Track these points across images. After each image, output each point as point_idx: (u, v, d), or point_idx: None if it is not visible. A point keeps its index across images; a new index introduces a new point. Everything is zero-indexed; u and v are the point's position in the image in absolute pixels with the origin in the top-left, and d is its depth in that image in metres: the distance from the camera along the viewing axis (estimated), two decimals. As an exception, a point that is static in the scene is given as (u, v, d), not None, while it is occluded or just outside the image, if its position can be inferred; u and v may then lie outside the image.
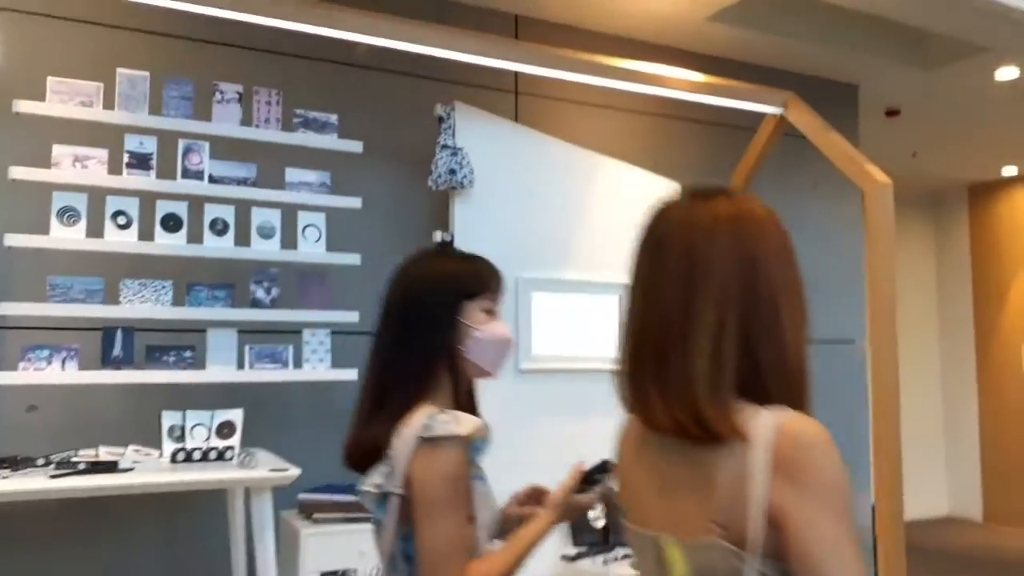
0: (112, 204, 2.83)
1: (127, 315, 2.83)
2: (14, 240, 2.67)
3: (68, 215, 2.76)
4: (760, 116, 4.01)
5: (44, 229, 2.73)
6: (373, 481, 1.40)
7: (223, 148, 3.02)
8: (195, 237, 2.94)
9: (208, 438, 2.88)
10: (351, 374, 3.14)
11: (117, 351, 2.83)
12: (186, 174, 2.95)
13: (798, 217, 4.44)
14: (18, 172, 2.68)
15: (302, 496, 2.99)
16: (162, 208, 2.90)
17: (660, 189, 4.11)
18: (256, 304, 3.04)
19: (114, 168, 2.85)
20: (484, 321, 1.48)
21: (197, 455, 2.78)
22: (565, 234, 3.69)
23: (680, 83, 3.72)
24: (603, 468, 1.51)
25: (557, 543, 3.30)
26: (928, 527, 6.87)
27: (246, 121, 3.06)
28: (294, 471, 2.66)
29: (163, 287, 2.89)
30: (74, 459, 2.64)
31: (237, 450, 2.84)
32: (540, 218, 3.62)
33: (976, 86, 4.90)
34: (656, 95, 3.73)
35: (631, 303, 1.15)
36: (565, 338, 3.72)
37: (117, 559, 3.01)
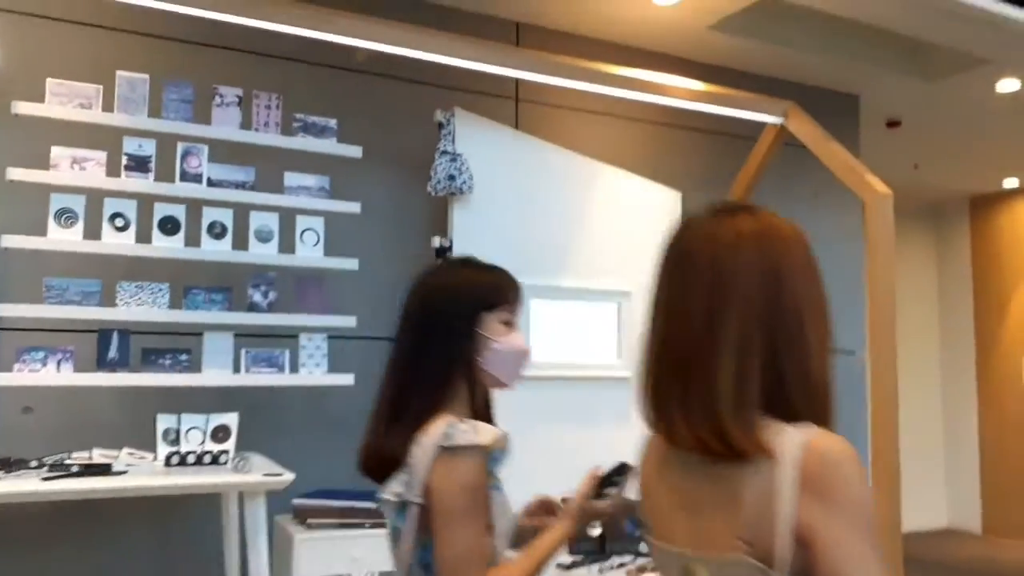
0: (110, 206, 2.83)
1: (123, 317, 2.82)
2: (11, 241, 2.67)
3: (66, 217, 2.76)
4: (760, 125, 4.01)
5: (41, 230, 2.72)
6: (393, 489, 1.40)
7: (222, 151, 3.02)
8: (193, 240, 2.94)
9: (203, 442, 2.86)
10: (347, 379, 3.14)
11: (113, 353, 2.82)
12: (185, 177, 2.94)
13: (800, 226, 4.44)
14: (16, 173, 2.68)
15: (296, 501, 2.98)
16: (160, 211, 2.90)
17: (659, 197, 4.13)
18: (253, 308, 3.03)
19: (112, 170, 2.84)
20: (502, 333, 1.49)
21: (191, 459, 2.77)
22: (564, 241, 3.69)
23: (681, 92, 3.72)
24: (619, 471, 1.51)
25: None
26: (927, 539, 6.84)
27: (245, 125, 3.06)
28: (288, 476, 2.65)
29: (160, 290, 2.88)
30: (67, 461, 2.63)
31: (232, 454, 2.83)
32: (539, 225, 3.62)
33: (977, 98, 4.90)
34: (656, 103, 3.73)
35: (653, 318, 1.14)
36: (564, 345, 3.71)
37: (110, 562, 3.00)
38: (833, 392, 1.08)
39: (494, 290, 1.51)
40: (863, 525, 0.96)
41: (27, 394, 2.84)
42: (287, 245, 3.10)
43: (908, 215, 7.08)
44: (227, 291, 2.99)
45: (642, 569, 3.40)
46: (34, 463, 2.60)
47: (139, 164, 2.87)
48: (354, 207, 3.20)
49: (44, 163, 2.75)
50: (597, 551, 3.33)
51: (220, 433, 2.90)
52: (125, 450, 2.79)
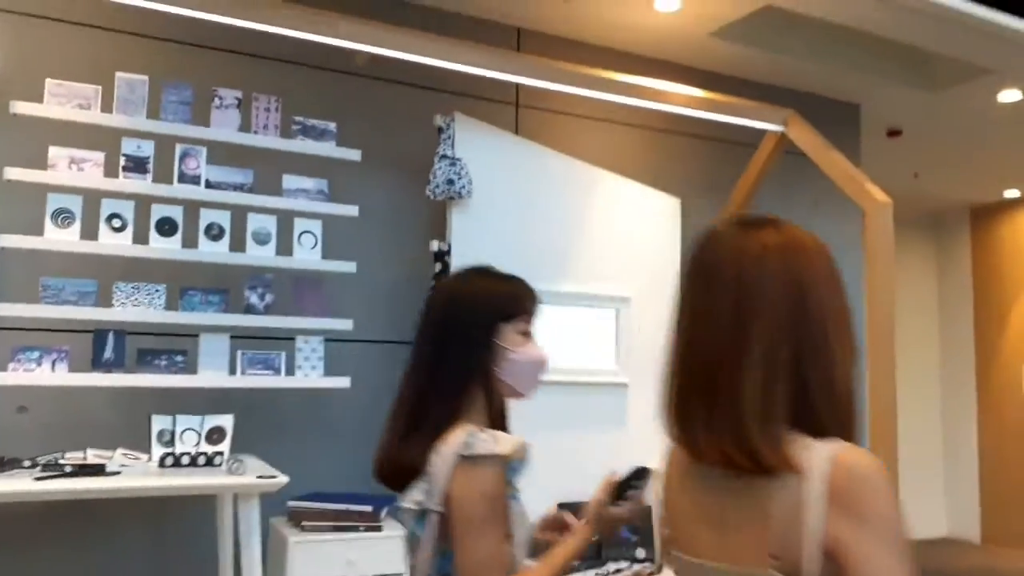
0: (107, 207, 2.83)
1: (119, 318, 2.82)
2: (8, 241, 2.67)
3: (63, 217, 2.76)
4: (760, 133, 4.01)
5: (38, 230, 2.72)
6: (413, 498, 1.40)
7: (221, 153, 3.02)
8: (190, 241, 2.94)
9: (198, 443, 2.86)
10: (344, 382, 3.13)
11: (108, 354, 2.81)
12: (183, 178, 2.94)
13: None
14: (14, 173, 2.68)
15: (291, 503, 2.97)
16: (157, 212, 2.90)
17: (659, 204, 4.13)
18: (250, 310, 3.03)
19: (110, 171, 2.84)
20: (520, 343, 1.50)
21: (186, 460, 2.76)
22: (563, 247, 3.69)
23: (681, 99, 3.72)
24: (637, 476, 1.49)
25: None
26: (926, 548, 6.81)
27: (244, 127, 3.06)
28: (282, 478, 2.64)
29: (156, 291, 2.88)
30: (61, 461, 2.63)
31: (226, 456, 2.83)
32: (538, 230, 3.61)
33: (978, 108, 4.89)
34: (656, 110, 3.74)
35: (677, 332, 1.14)
36: (562, 351, 3.70)
37: (104, 563, 2.99)
38: (859, 406, 1.08)
39: (512, 300, 1.52)
40: (892, 539, 0.97)
41: (22, 393, 2.83)
42: (285, 247, 3.10)
43: (908, 225, 7.07)
44: (224, 293, 2.99)
45: (638, 575, 3.39)
46: (27, 463, 2.59)
47: (137, 165, 2.87)
48: (352, 210, 3.20)
49: (42, 163, 2.75)
50: (593, 557, 3.33)
51: (215, 435, 2.89)
52: (119, 451, 2.78)
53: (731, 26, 3.92)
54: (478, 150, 3.46)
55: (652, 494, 1.45)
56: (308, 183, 3.16)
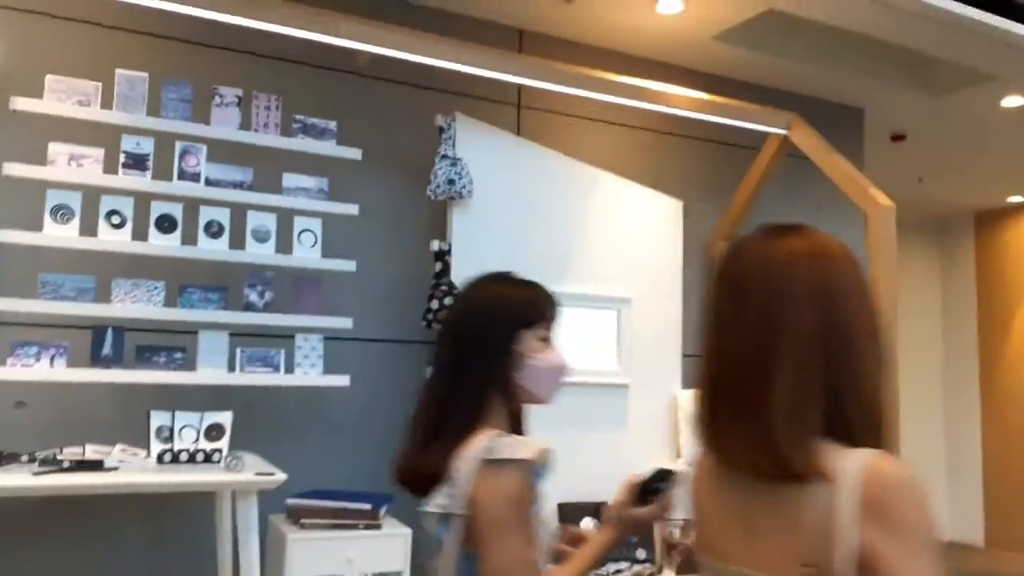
0: (107, 203, 2.83)
1: (118, 314, 2.82)
2: (6, 236, 2.67)
3: (62, 213, 2.76)
4: (762, 136, 4.01)
5: (37, 226, 2.72)
6: (438, 502, 1.41)
7: (221, 151, 3.02)
8: (189, 239, 2.94)
9: (196, 440, 2.85)
10: (343, 380, 3.13)
11: (107, 350, 2.81)
12: (182, 176, 2.94)
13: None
14: (13, 168, 2.68)
15: (290, 501, 2.96)
16: (157, 209, 2.90)
17: (660, 205, 4.12)
18: (249, 307, 3.03)
19: (110, 168, 2.84)
20: (540, 349, 1.50)
21: (184, 456, 2.76)
22: (564, 248, 3.68)
23: (684, 101, 3.72)
24: (660, 478, 1.48)
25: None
26: (929, 555, 6.78)
27: (245, 125, 3.06)
28: (280, 476, 2.64)
29: (155, 287, 2.88)
30: (59, 457, 2.62)
31: (225, 453, 2.82)
32: (539, 231, 3.61)
33: (982, 113, 4.88)
34: (658, 112, 3.74)
35: (707, 340, 1.16)
36: (563, 351, 3.69)
37: (103, 559, 2.98)
38: (889, 414, 1.08)
39: (531, 307, 1.52)
40: (925, 548, 0.97)
41: (20, 389, 2.83)
42: (284, 245, 3.10)
43: (912, 229, 7.06)
44: (223, 290, 2.99)
45: (638, 575, 3.38)
46: (25, 457, 2.60)
47: (137, 162, 2.87)
48: (352, 209, 3.19)
49: (41, 159, 2.75)
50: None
51: (214, 431, 2.89)
52: (118, 446, 2.78)
53: (733, 29, 3.92)
54: (479, 150, 3.46)
55: (678, 496, 1.46)
56: (308, 182, 3.16)
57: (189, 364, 2.91)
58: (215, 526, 3.02)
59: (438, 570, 1.42)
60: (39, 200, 2.73)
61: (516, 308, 1.51)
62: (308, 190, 3.16)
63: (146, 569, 3.05)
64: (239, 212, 3.03)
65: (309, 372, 3.10)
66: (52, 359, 2.73)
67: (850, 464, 0.99)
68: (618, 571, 3.45)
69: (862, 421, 1.05)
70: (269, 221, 3.08)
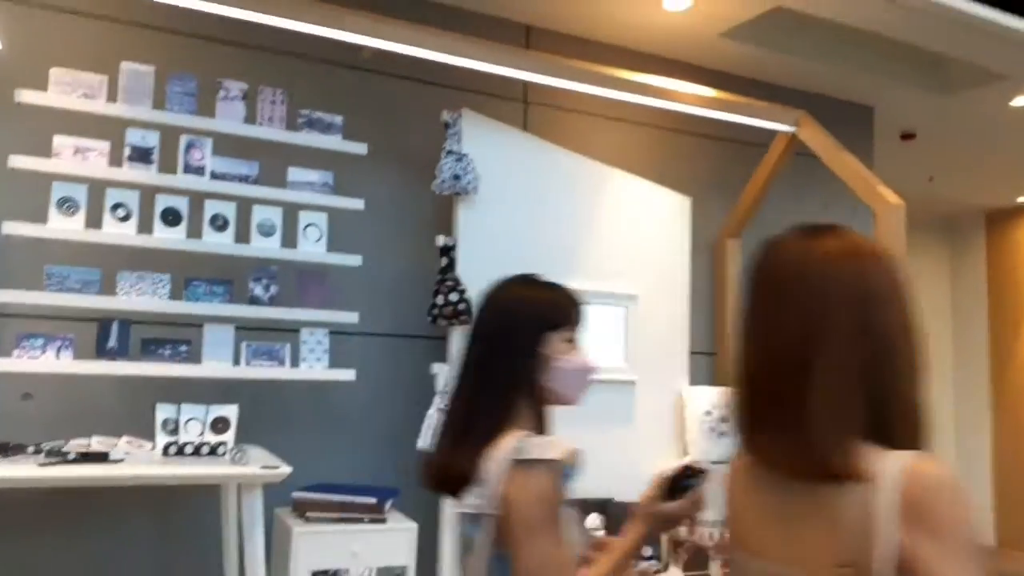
0: (112, 196, 2.83)
1: (123, 307, 2.82)
2: (12, 228, 2.67)
3: (67, 205, 2.76)
4: (770, 133, 3.99)
5: (43, 218, 2.73)
6: (470, 502, 1.42)
7: (226, 145, 3.02)
8: (195, 232, 2.94)
9: (202, 433, 2.85)
10: (349, 374, 3.12)
11: (112, 342, 2.82)
12: (187, 169, 2.94)
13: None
14: (18, 161, 2.69)
15: (296, 494, 2.96)
16: (162, 202, 2.90)
17: (668, 202, 4.10)
18: (254, 301, 3.03)
19: (115, 161, 2.84)
20: (566, 351, 1.51)
21: (189, 449, 2.76)
22: (571, 244, 3.67)
23: (693, 98, 3.71)
24: (690, 473, 1.47)
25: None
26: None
27: (250, 119, 3.06)
28: (285, 469, 2.63)
29: (161, 280, 2.88)
30: (65, 448, 2.62)
31: (230, 446, 2.82)
32: (546, 227, 3.60)
33: (992, 113, 4.86)
34: (666, 109, 3.72)
35: (744, 340, 1.16)
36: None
37: (109, 551, 2.98)
38: (928, 415, 1.08)
39: (557, 309, 1.53)
40: (965, 550, 0.97)
41: (26, 381, 2.84)
42: (289, 240, 3.09)
43: (922, 228, 7.02)
44: (228, 284, 2.99)
45: (644, 573, 3.36)
46: (31, 449, 2.60)
47: (142, 155, 2.88)
48: (358, 203, 3.19)
49: (47, 152, 2.76)
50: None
51: (219, 424, 2.89)
52: (124, 438, 2.78)
53: (741, 26, 3.90)
54: (485, 146, 3.46)
55: (708, 493, 1.45)
56: (313, 176, 3.16)
57: (194, 357, 2.91)
58: (220, 519, 3.02)
59: (469, 569, 1.44)
60: (44, 192, 2.73)
61: (541, 310, 1.52)
62: (313, 184, 3.15)
63: (151, 561, 3.05)
64: (244, 206, 3.03)
65: (314, 366, 3.09)
66: (58, 351, 2.73)
67: (890, 465, 0.99)
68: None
69: (901, 422, 1.05)
70: (274, 215, 3.07)
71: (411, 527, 2.96)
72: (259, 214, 3.06)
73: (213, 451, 2.78)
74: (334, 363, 3.12)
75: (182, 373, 2.88)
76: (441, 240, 3.36)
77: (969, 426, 7.32)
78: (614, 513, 3.34)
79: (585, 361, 1.54)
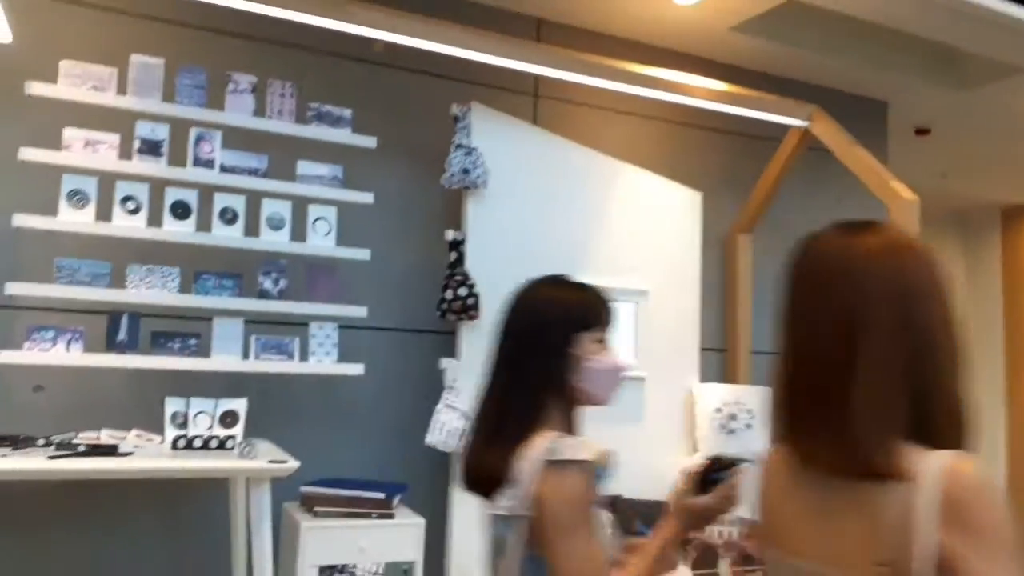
0: (122, 189, 2.83)
1: (133, 300, 2.82)
2: (23, 221, 2.68)
3: (77, 198, 2.76)
4: (782, 128, 3.96)
5: (53, 211, 2.73)
6: (502, 504, 1.42)
7: (235, 138, 3.02)
8: (204, 225, 2.93)
9: (211, 426, 2.85)
10: (357, 368, 3.12)
11: (122, 335, 2.82)
12: (197, 162, 2.94)
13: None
14: (28, 153, 2.69)
15: (304, 488, 2.96)
16: (172, 195, 2.90)
17: (679, 197, 4.07)
18: (263, 295, 3.02)
19: (125, 153, 2.85)
20: (597, 351, 1.51)
21: (198, 443, 2.76)
22: (581, 239, 3.65)
23: (705, 92, 3.68)
24: (720, 466, 1.46)
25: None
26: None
27: (259, 112, 3.06)
28: (293, 463, 2.62)
29: (170, 273, 2.88)
30: (75, 441, 2.63)
31: (239, 440, 2.82)
32: (555, 222, 3.58)
33: (1009, 107, 4.80)
34: (677, 102, 3.69)
35: (784, 336, 1.16)
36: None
37: (116, 543, 2.99)
38: (970, 415, 1.08)
39: (587, 309, 1.53)
40: (1004, 551, 0.97)
41: (37, 373, 2.85)
42: (299, 233, 3.09)
43: (936, 225, 6.95)
44: (238, 277, 2.98)
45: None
46: (41, 441, 2.60)
47: (151, 148, 2.88)
48: (367, 197, 3.18)
49: (56, 144, 2.76)
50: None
51: (228, 418, 2.88)
52: (133, 432, 2.79)
53: (752, 20, 3.87)
54: (495, 140, 3.44)
55: (740, 486, 1.43)
56: (323, 169, 3.15)
57: (203, 351, 2.91)
58: (229, 513, 3.02)
59: (502, 571, 1.43)
60: (55, 185, 2.74)
61: (571, 311, 1.52)
62: (323, 178, 3.15)
63: (160, 555, 3.06)
64: (254, 199, 3.03)
65: (323, 360, 3.09)
66: (68, 343, 2.74)
67: (930, 465, 0.99)
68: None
69: (945, 419, 1.05)
70: (284, 208, 3.07)
71: (419, 523, 2.96)
72: (268, 207, 3.05)
73: (222, 445, 2.78)
74: (343, 357, 3.11)
75: (191, 366, 2.88)
76: (450, 234, 3.35)
77: (984, 423, 7.27)
78: (623, 510, 3.32)
79: (616, 361, 1.54)
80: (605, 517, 1.46)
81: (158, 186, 2.88)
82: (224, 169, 2.98)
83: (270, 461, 2.64)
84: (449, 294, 3.25)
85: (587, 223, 3.68)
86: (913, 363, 1.04)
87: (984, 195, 6.91)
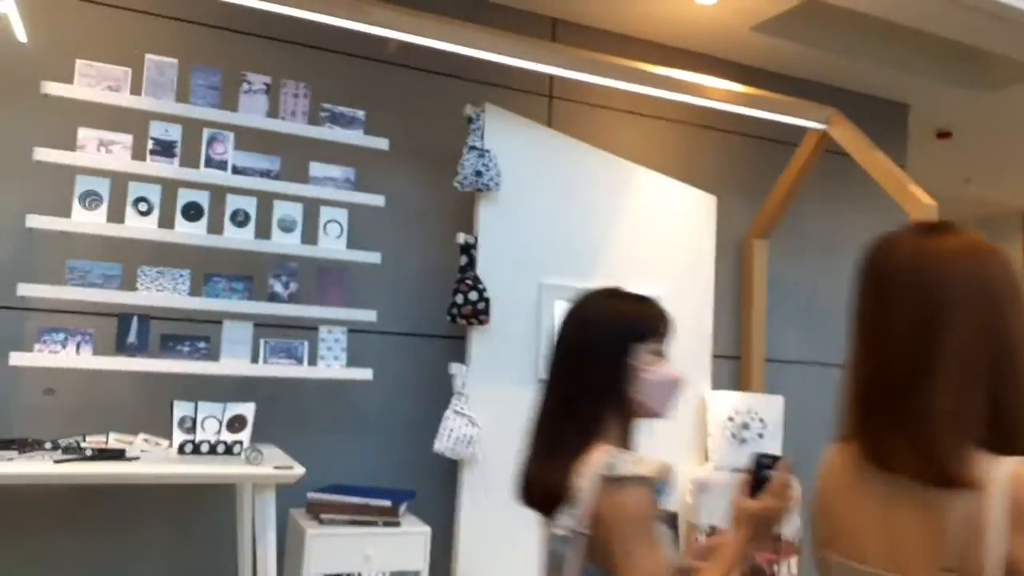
0: (134, 190, 2.82)
1: (144, 302, 2.81)
2: (36, 222, 2.67)
3: (90, 199, 2.75)
4: (800, 131, 3.90)
5: (66, 212, 2.72)
6: (562, 523, 1.41)
7: (248, 139, 3.00)
8: (215, 227, 2.92)
9: (219, 431, 2.84)
10: (367, 373, 3.10)
11: (132, 338, 2.81)
12: (209, 163, 2.93)
13: (840, 236, 4.31)
14: (43, 154, 2.68)
15: (310, 495, 2.95)
16: (184, 196, 2.88)
17: (694, 200, 4.01)
18: (274, 298, 3.01)
19: (138, 154, 2.83)
20: (653, 362, 1.49)
21: (205, 448, 2.75)
22: (595, 242, 3.61)
23: (722, 94, 3.63)
24: (764, 465, 1.42)
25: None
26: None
27: (272, 113, 3.03)
28: (298, 470, 2.61)
29: (181, 276, 2.86)
30: (82, 445, 2.63)
31: (246, 445, 2.80)
32: (568, 225, 3.55)
33: (1033, 110, 4.71)
34: (693, 104, 3.64)
35: (860, 339, 1.15)
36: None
37: (122, 547, 2.99)
38: None
39: (644, 321, 1.52)
40: None
41: (47, 375, 2.85)
42: (310, 236, 3.07)
43: (958, 230, 6.86)
44: (248, 280, 2.97)
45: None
46: (49, 444, 2.60)
47: (165, 149, 2.86)
48: (379, 200, 3.15)
49: (71, 144, 2.74)
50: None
51: (236, 423, 2.87)
52: (141, 436, 2.78)
53: (772, 20, 3.81)
54: (509, 142, 3.41)
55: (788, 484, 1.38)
56: (335, 171, 3.12)
57: (213, 354, 2.90)
58: (236, 518, 3.01)
59: None
60: (68, 186, 2.73)
61: (628, 322, 1.51)
62: (335, 180, 3.12)
63: (167, 559, 3.06)
64: (265, 201, 3.01)
65: (332, 365, 3.07)
66: (78, 346, 2.73)
67: (999, 472, 0.99)
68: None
69: (1018, 427, 1.04)
70: (295, 211, 3.05)
71: (424, 531, 2.94)
72: (280, 210, 3.03)
73: (229, 450, 2.77)
74: (352, 362, 3.09)
75: (200, 370, 2.86)
76: (461, 238, 3.32)
77: None
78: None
79: (673, 373, 1.52)
80: (666, 533, 1.43)
81: (170, 187, 2.86)
82: (236, 170, 2.96)
83: (276, 467, 2.63)
84: (460, 298, 3.23)
85: (600, 226, 3.64)
86: (993, 368, 1.04)
87: (1008, 200, 6.81)
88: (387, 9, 2.98)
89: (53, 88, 2.71)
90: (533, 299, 3.40)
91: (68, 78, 2.75)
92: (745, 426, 3.70)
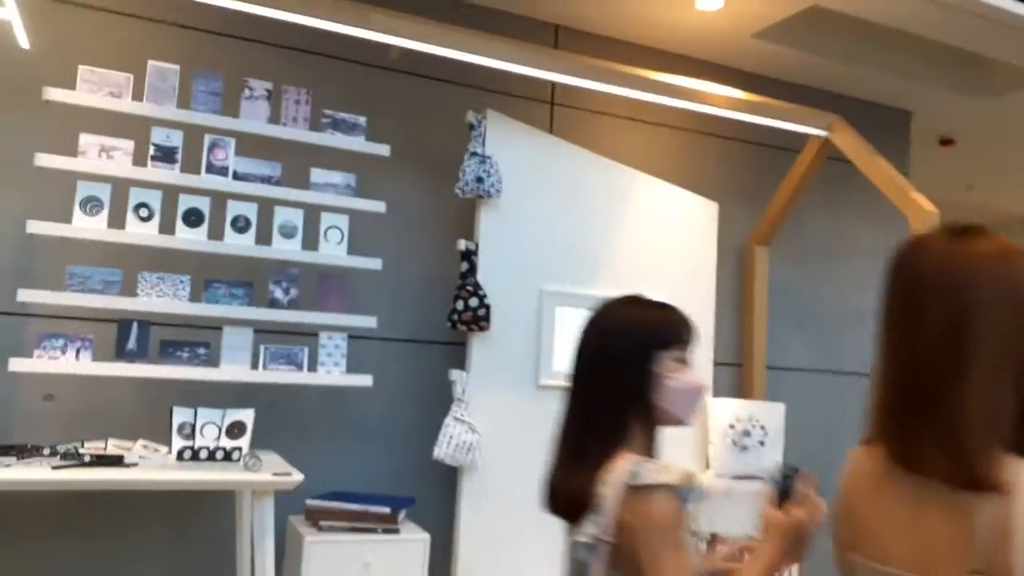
0: (135, 196, 2.82)
1: (144, 308, 2.81)
2: (36, 227, 2.67)
3: (91, 205, 2.76)
4: (803, 138, 3.90)
5: (67, 218, 2.72)
6: (587, 531, 1.41)
7: (249, 145, 3.00)
8: (216, 233, 2.92)
9: (218, 437, 2.84)
10: (366, 380, 3.09)
11: (131, 344, 2.81)
12: (210, 169, 2.93)
13: (842, 243, 4.31)
14: (44, 159, 2.68)
15: (309, 502, 2.94)
16: (185, 202, 2.88)
17: (696, 207, 4.00)
18: (274, 304, 3.00)
19: (139, 160, 2.83)
20: (676, 370, 1.49)
21: (204, 454, 2.74)
22: (596, 249, 3.61)
23: (722, 100, 3.63)
24: (787, 473, 1.41)
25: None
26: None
27: (274, 119, 3.04)
28: (296, 476, 2.60)
29: (181, 282, 2.86)
30: (81, 451, 2.62)
31: (245, 451, 2.80)
32: (569, 231, 3.54)
33: (1036, 117, 4.70)
34: (695, 111, 3.64)
35: (889, 342, 1.14)
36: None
37: (121, 553, 2.98)
38: None
39: (667, 328, 1.52)
40: None
41: (46, 381, 2.84)
42: (311, 242, 3.07)
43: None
44: (248, 286, 2.97)
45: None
46: (47, 450, 2.60)
47: (166, 155, 2.86)
48: (380, 206, 3.15)
49: (72, 150, 2.75)
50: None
51: (235, 429, 2.87)
52: (140, 442, 2.77)
53: (774, 27, 3.81)
54: (510, 148, 3.41)
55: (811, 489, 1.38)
56: (336, 177, 3.13)
57: (213, 360, 2.90)
58: (235, 524, 3.01)
59: None
60: (69, 191, 2.73)
61: (651, 329, 1.51)
62: (336, 186, 3.12)
63: (165, 566, 3.05)
64: (266, 207, 3.01)
65: (332, 371, 3.06)
66: (78, 352, 2.73)
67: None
68: None
69: None
70: (296, 217, 3.05)
71: (424, 538, 2.93)
72: (281, 215, 3.03)
73: (228, 456, 2.76)
74: (352, 368, 3.09)
75: (200, 376, 2.86)
76: (462, 244, 3.32)
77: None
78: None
79: (697, 380, 1.52)
80: (695, 543, 1.43)
81: (171, 193, 2.87)
82: (237, 176, 2.96)
83: (274, 474, 2.62)
84: (460, 305, 3.22)
85: (601, 233, 3.64)
86: (1022, 371, 1.04)
87: (1010, 207, 6.79)
88: (389, 16, 2.99)
89: (55, 94, 2.71)
90: (534, 306, 3.40)
91: (70, 84, 2.76)
92: (746, 433, 3.69)
